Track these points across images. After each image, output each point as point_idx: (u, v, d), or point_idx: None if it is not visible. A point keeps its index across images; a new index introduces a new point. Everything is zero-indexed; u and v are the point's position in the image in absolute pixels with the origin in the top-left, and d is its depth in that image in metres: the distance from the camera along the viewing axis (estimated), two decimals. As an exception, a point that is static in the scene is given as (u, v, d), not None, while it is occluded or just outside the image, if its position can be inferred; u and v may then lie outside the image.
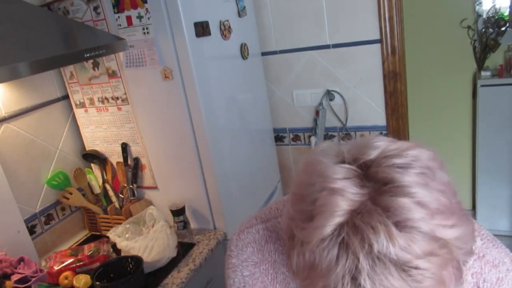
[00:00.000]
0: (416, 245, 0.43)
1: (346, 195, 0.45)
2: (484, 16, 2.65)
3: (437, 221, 0.44)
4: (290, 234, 0.50)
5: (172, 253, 1.45)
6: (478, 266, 0.57)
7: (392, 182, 0.45)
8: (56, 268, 1.38)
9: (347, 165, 0.48)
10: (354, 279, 0.43)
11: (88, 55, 1.21)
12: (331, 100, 2.02)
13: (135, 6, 1.40)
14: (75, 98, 1.68)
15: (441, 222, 0.44)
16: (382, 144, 0.49)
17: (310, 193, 0.48)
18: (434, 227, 0.44)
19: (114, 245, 1.49)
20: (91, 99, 1.64)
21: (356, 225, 0.43)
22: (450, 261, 0.45)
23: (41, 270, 1.28)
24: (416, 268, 0.43)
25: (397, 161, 0.47)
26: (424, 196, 0.44)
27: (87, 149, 1.75)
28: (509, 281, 0.56)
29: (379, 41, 1.84)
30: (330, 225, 0.44)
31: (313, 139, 2.08)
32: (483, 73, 2.59)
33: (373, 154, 0.48)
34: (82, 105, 1.68)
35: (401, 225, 0.43)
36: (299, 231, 0.48)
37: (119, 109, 1.60)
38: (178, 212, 1.56)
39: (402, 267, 0.42)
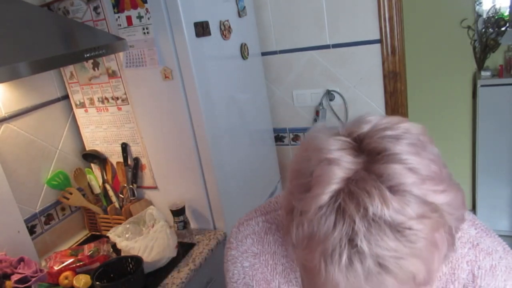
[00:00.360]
0: (409, 207, 0.44)
1: (342, 164, 0.47)
2: (484, 16, 2.65)
3: (428, 186, 0.46)
4: (289, 208, 0.52)
5: (172, 253, 1.45)
6: (472, 254, 0.58)
7: (384, 151, 0.47)
8: (56, 268, 1.38)
9: (342, 137, 0.50)
10: (351, 241, 0.44)
11: (88, 55, 1.21)
12: (331, 100, 2.02)
13: (135, 6, 1.40)
14: (75, 98, 1.68)
15: (431, 187, 0.46)
16: (374, 118, 0.52)
17: (308, 166, 0.50)
18: (425, 192, 0.46)
19: (114, 245, 1.49)
20: (91, 99, 1.64)
21: (352, 191, 0.45)
22: (442, 225, 0.47)
23: (41, 270, 1.28)
24: (410, 228, 0.44)
25: (389, 133, 0.49)
26: (415, 162, 0.46)
27: (87, 149, 1.75)
28: (502, 268, 0.57)
29: (379, 41, 1.84)
30: (327, 193, 0.46)
31: (313, 139, 2.08)
32: (483, 73, 2.59)
33: (366, 128, 0.50)
34: (82, 105, 1.68)
35: (394, 189, 0.45)
36: (298, 202, 0.49)
37: (119, 109, 1.60)
38: (178, 212, 1.56)
39: (397, 228, 0.44)
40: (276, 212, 0.71)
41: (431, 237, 0.46)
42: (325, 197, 0.46)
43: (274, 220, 0.70)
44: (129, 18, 1.42)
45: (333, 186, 0.46)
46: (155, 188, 1.68)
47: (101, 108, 1.64)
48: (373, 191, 0.45)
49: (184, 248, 1.53)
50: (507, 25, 2.60)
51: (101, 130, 1.68)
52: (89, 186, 1.75)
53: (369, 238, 0.44)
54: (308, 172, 0.49)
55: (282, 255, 0.68)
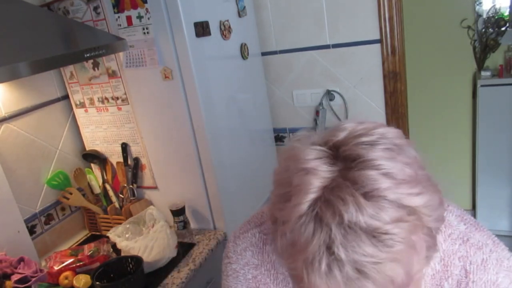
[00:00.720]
0: (384, 212, 0.45)
1: (318, 173, 0.48)
2: (484, 16, 2.65)
3: (403, 190, 0.46)
4: (273, 218, 0.53)
5: (172, 253, 1.45)
6: (463, 250, 0.59)
7: (359, 157, 0.48)
8: (56, 268, 1.38)
9: (318, 147, 0.51)
10: (329, 248, 0.45)
11: (88, 55, 1.21)
12: (331, 100, 2.02)
13: (135, 6, 1.40)
14: (75, 98, 1.68)
15: (407, 191, 0.47)
16: (350, 125, 0.53)
17: (287, 176, 0.51)
18: (400, 196, 0.46)
19: (114, 245, 1.49)
20: (91, 99, 1.64)
21: (328, 199, 0.46)
22: (420, 227, 0.48)
23: (41, 270, 1.28)
24: (386, 233, 0.45)
25: (364, 139, 0.50)
26: (390, 167, 0.47)
27: (87, 149, 1.75)
28: (493, 261, 0.58)
29: (379, 41, 1.84)
30: (305, 202, 0.47)
31: (313, 139, 2.08)
32: (483, 73, 2.59)
33: (341, 135, 0.51)
34: (82, 105, 1.68)
35: (369, 195, 0.46)
36: (279, 212, 0.51)
37: (119, 109, 1.60)
38: (178, 212, 1.56)
39: (373, 234, 0.45)
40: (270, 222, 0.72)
41: (409, 240, 0.46)
42: (303, 207, 0.47)
43: (269, 230, 0.70)
44: (129, 18, 1.42)
45: (311, 196, 0.47)
46: (155, 188, 1.68)
47: (101, 108, 1.64)
48: (347, 198, 0.45)
49: (184, 248, 1.53)
50: (507, 25, 2.60)
51: (101, 130, 1.68)
52: (89, 186, 1.75)
53: (346, 245, 0.44)
54: (288, 182, 0.50)
55: (281, 264, 0.68)
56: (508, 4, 2.64)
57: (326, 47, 1.94)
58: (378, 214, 0.45)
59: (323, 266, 0.45)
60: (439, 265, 0.60)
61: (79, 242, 1.72)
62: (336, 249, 0.45)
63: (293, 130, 2.18)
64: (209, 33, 1.50)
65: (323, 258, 0.45)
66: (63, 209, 1.71)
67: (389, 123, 1.94)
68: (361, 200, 0.45)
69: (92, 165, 1.78)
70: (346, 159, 0.49)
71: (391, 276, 0.45)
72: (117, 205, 1.71)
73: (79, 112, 1.70)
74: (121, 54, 1.48)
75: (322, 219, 0.46)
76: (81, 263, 1.40)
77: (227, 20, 1.63)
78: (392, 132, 0.52)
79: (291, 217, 0.48)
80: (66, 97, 1.71)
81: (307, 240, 0.46)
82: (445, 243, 0.60)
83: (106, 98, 1.61)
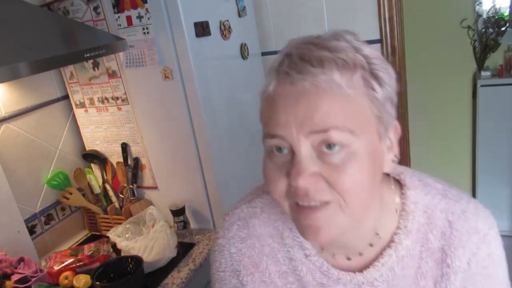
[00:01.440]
0: (340, 44, 0.52)
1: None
2: (484, 16, 2.65)
3: (365, 48, 0.54)
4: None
5: (172, 253, 1.45)
6: (444, 203, 0.62)
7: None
8: (56, 268, 1.38)
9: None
10: (289, 56, 0.53)
11: (88, 55, 1.21)
12: (331, 100, 2.02)
13: (135, 6, 1.40)
14: (75, 98, 1.68)
15: (368, 49, 0.54)
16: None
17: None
18: (360, 46, 0.53)
19: (114, 245, 1.49)
20: (91, 99, 1.64)
21: (299, 52, 0.53)
22: (366, 82, 0.53)
23: (41, 270, 1.28)
24: (331, 60, 0.51)
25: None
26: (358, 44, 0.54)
27: (87, 149, 1.75)
28: (471, 211, 0.63)
29: (379, 41, 1.84)
30: (277, 60, 0.55)
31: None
32: (483, 73, 2.59)
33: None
34: (82, 105, 1.68)
35: (334, 39, 0.53)
36: (261, 95, 0.57)
37: (119, 109, 1.60)
38: (178, 212, 1.56)
39: (323, 56, 0.51)
40: (259, 198, 0.73)
41: (349, 84, 0.51)
42: (276, 63, 0.55)
43: (258, 204, 0.72)
44: (129, 18, 1.42)
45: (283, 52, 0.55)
46: (155, 188, 1.68)
47: (101, 108, 1.64)
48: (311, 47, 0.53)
49: (184, 248, 1.53)
50: (507, 25, 2.60)
51: (101, 130, 1.68)
52: (89, 186, 1.75)
53: (299, 47, 0.53)
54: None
55: (269, 235, 0.69)
56: (508, 4, 2.64)
57: (326, 47, 1.94)
58: (336, 45, 0.52)
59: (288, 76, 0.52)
60: (423, 217, 0.62)
61: (79, 242, 1.72)
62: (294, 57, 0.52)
63: (293, 130, 2.18)
64: (209, 33, 1.50)
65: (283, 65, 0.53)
66: (63, 209, 1.71)
67: (389, 123, 1.94)
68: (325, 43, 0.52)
69: (92, 165, 1.78)
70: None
71: (316, 101, 0.50)
72: (117, 205, 1.71)
73: (79, 112, 1.70)
74: (121, 54, 1.48)
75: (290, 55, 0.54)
76: (81, 263, 1.40)
77: (227, 20, 1.63)
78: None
79: (265, 87, 0.56)
80: (66, 97, 1.71)
81: (274, 66, 0.55)
82: (426, 197, 0.63)
83: (106, 98, 1.61)
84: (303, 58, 0.51)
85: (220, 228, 0.75)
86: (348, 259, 0.64)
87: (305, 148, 0.51)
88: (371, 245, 0.63)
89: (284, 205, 0.55)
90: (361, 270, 0.63)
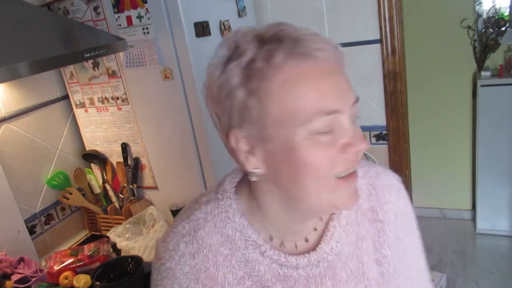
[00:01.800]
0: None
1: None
2: (484, 16, 2.65)
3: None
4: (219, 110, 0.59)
5: (172, 253, 1.45)
6: (361, 171, 0.67)
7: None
8: (56, 268, 1.38)
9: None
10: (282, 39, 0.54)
11: (88, 55, 1.21)
12: (331, 100, 2.02)
13: (135, 6, 1.40)
14: (75, 98, 1.68)
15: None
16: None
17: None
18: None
19: (114, 245, 1.49)
20: (91, 99, 1.64)
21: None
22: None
23: (41, 270, 1.28)
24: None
25: None
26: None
27: (87, 149, 1.75)
28: (382, 171, 0.72)
29: (379, 41, 1.84)
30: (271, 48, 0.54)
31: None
32: (483, 73, 2.59)
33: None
34: (82, 105, 1.68)
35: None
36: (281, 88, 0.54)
37: (119, 109, 1.60)
38: (178, 212, 1.56)
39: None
40: (197, 211, 0.68)
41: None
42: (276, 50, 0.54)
43: (199, 215, 0.67)
44: (129, 18, 1.42)
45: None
46: (155, 188, 1.68)
47: (101, 108, 1.64)
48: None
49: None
50: (507, 25, 2.60)
51: (101, 130, 1.68)
52: (89, 186, 1.75)
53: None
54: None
55: (219, 244, 0.65)
56: (508, 4, 2.64)
57: (326, 47, 1.94)
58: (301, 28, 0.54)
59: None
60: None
61: (79, 242, 1.72)
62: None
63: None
64: (209, 33, 1.50)
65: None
66: (63, 209, 1.71)
67: (389, 123, 1.94)
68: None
69: (92, 165, 1.78)
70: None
71: (343, 74, 0.57)
72: (117, 205, 1.71)
73: (79, 112, 1.70)
74: (121, 54, 1.48)
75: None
76: (81, 263, 1.40)
77: (227, 20, 1.63)
78: None
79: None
80: (66, 97, 1.71)
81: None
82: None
83: (106, 98, 1.61)
84: (301, 38, 0.53)
85: (163, 252, 0.67)
86: (296, 246, 0.66)
87: (350, 118, 0.55)
88: (315, 229, 0.66)
89: (326, 186, 0.56)
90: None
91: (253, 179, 0.60)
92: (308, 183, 0.55)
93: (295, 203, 0.59)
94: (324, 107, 0.52)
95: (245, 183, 0.67)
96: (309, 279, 0.64)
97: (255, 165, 0.58)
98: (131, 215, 1.62)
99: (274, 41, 0.53)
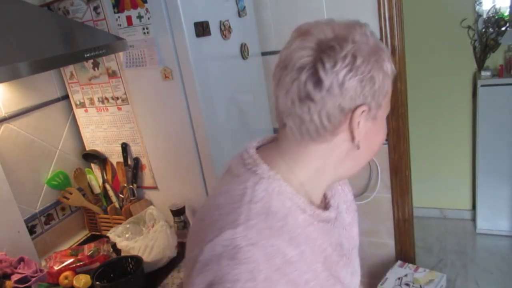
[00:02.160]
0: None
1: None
2: (484, 16, 2.65)
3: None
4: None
5: (172, 253, 1.45)
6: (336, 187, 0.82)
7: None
8: (56, 268, 1.38)
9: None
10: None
11: (88, 55, 1.21)
12: (331, 100, 2.02)
13: (135, 6, 1.40)
14: (75, 98, 1.68)
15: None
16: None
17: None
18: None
19: (114, 245, 1.49)
20: (91, 99, 1.64)
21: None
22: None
23: (41, 270, 1.28)
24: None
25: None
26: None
27: (87, 149, 1.75)
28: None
29: (379, 41, 1.84)
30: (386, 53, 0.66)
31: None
32: (483, 73, 2.59)
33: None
34: (82, 105, 1.68)
35: None
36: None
37: (119, 109, 1.60)
38: (178, 212, 1.56)
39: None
40: (249, 212, 0.60)
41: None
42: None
43: (260, 194, 0.62)
44: (129, 18, 1.42)
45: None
46: (155, 188, 1.68)
47: (101, 108, 1.64)
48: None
49: (184, 248, 1.52)
50: (507, 25, 2.60)
51: (101, 130, 1.68)
52: (89, 186, 1.75)
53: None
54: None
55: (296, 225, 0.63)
56: (508, 4, 2.64)
57: (326, 47, 1.94)
58: None
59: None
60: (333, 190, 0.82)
61: (79, 242, 1.72)
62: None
63: (293, 130, 2.17)
64: (209, 33, 1.50)
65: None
66: (63, 209, 1.71)
67: (389, 123, 1.94)
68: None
69: (92, 165, 1.78)
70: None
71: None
72: (117, 205, 1.71)
73: (79, 112, 1.70)
74: (121, 54, 1.48)
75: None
76: (81, 263, 1.40)
77: (227, 20, 1.63)
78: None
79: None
80: (66, 97, 1.71)
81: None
82: None
83: (106, 98, 1.61)
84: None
85: (250, 234, 0.57)
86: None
87: None
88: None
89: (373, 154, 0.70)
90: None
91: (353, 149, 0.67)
92: (375, 151, 0.69)
93: (347, 169, 0.70)
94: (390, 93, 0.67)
95: (265, 152, 0.75)
96: (336, 229, 0.74)
97: (360, 136, 0.65)
98: (131, 215, 1.62)
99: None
